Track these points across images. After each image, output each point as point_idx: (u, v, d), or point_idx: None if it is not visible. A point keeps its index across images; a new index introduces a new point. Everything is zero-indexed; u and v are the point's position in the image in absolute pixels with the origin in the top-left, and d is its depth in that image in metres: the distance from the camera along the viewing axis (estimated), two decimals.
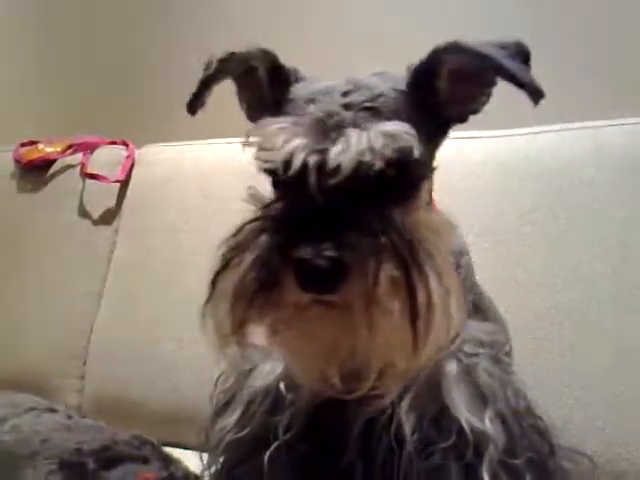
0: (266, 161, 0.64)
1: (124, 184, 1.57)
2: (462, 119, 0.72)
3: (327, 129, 0.61)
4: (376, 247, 0.57)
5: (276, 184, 0.66)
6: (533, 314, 1.09)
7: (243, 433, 0.78)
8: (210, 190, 1.45)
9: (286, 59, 0.74)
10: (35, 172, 1.64)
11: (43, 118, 2.01)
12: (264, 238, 0.59)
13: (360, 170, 0.59)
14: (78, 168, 1.61)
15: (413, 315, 0.58)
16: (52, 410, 0.90)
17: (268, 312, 0.60)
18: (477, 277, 0.84)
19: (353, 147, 0.59)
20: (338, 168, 0.59)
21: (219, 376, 0.87)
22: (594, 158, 1.15)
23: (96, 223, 1.56)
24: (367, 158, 0.59)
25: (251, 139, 0.65)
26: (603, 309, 1.06)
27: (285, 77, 0.72)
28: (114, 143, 1.65)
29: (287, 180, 0.62)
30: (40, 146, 1.66)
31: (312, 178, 0.59)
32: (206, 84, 0.74)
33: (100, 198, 1.58)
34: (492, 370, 0.74)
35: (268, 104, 0.73)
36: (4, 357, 1.49)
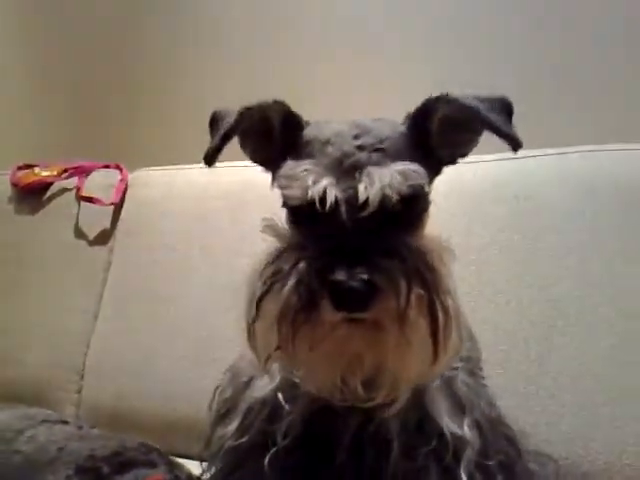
0: (296, 199, 0.71)
1: (118, 206, 1.65)
2: (453, 161, 0.82)
3: (347, 168, 0.70)
4: (403, 271, 0.65)
5: (298, 218, 0.74)
6: (502, 329, 1.18)
7: (242, 440, 0.85)
8: (201, 211, 1.54)
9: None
10: (32, 195, 1.72)
11: (37, 143, 2.08)
12: (302, 264, 0.66)
13: (383, 203, 0.68)
14: (74, 191, 1.69)
15: (434, 330, 0.66)
16: (64, 422, 0.97)
17: (307, 330, 0.67)
18: None
19: (377, 183, 0.67)
20: (367, 202, 0.67)
21: (217, 388, 0.94)
22: (557, 183, 1.25)
23: (92, 243, 1.64)
24: (388, 192, 0.68)
25: (280, 179, 0.73)
26: (566, 324, 1.16)
27: (297, 123, 0.79)
28: (108, 167, 1.73)
29: (316, 213, 0.69)
30: (36, 170, 1.73)
31: (343, 210, 0.67)
32: (227, 137, 0.79)
33: (95, 220, 1.66)
34: (469, 382, 0.83)
35: (279, 147, 0.80)
36: (5, 370, 1.55)
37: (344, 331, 0.67)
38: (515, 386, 1.15)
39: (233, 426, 0.87)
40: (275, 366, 0.83)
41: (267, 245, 0.74)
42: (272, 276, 0.68)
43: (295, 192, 0.71)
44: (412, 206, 0.72)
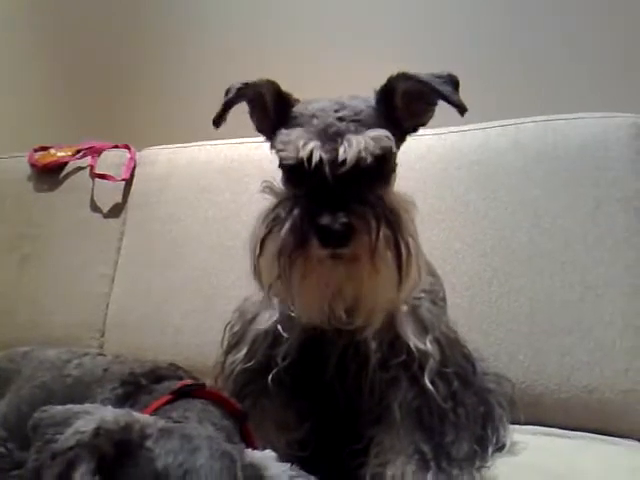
0: (290, 158, 0.89)
1: (128, 182, 1.83)
2: (415, 129, 0.99)
3: (330, 135, 0.87)
4: (374, 215, 0.83)
5: (291, 176, 0.91)
6: (467, 275, 1.38)
7: (250, 364, 1.04)
8: (202, 184, 1.72)
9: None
10: (49, 174, 1.89)
11: (49, 127, 2.25)
12: (296, 212, 0.84)
13: (358, 163, 0.85)
14: (87, 169, 1.87)
15: (399, 263, 0.84)
16: (101, 354, 1.15)
17: (300, 262, 0.85)
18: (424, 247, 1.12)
19: (354, 147, 0.85)
20: (344, 162, 0.85)
21: (227, 324, 1.12)
22: (513, 149, 1.44)
23: (106, 216, 1.83)
24: (363, 154, 0.85)
25: (277, 144, 0.91)
26: (521, 269, 1.36)
27: (286, 100, 0.97)
28: (117, 147, 1.90)
29: (305, 171, 0.86)
30: (52, 151, 1.91)
31: (327, 168, 0.85)
32: (228, 106, 0.97)
33: (108, 195, 1.84)
34: (431, 309, 1.02)
35: (273, 119, 0.97)
36: (34, 332, 1.73)
37: (329, 264, 0.85)
38: (479, 323, 1.35)
39: (242, 353, 1.05)
40: (275, 303, 1.03)
41: (267, 202, 0.93)
42: (272, 221, 0.87)
43: (289, 153, 0.89)
44: (382, 165, 0.90)
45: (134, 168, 1.84)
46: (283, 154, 0.90)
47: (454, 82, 0.94)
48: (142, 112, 2.15)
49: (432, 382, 0.97)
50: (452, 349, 1.02)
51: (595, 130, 1.41)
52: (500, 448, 1.12)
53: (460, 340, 1.06)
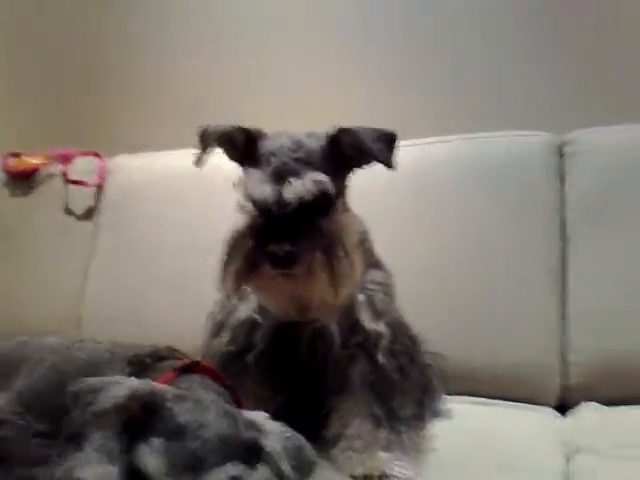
0: (248, 196, 1.10)
1: (100, 188, 1.98)
2: (359, 167, 1.19)
3: (280, 177, 1.07)
4: (312, 244, 1.05)
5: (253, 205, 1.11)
6: (413, 271, 1.57)
7: (231, 347, 1.24)
8: (172, 188, 1.90)
9: None
10: (23, 180, 2.03)
11: (17, 134, 2.36)
12: (250, 241, 1.07)
13: (301, 201, 1.06)
14: (60, 176, 2.01)
15: (332, 278, 1.06)
16: (97, 341, 1.30)
17: (254, 280, 1.09)
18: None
19: (295, 190, 1.06)
20: (289, 202, 1.05)
21: (210, 313, 1.32)
22: (451, 162, 1.69)
23: (79, 219, 1.98)
24: (303, 195, 1.06)
25: (243, 181, 1.12)
26: (457, 266, 1.61)
27: (254, 140, 1.16)
28: (86, 154, 2.04)
29: (260, 207, 1.08)
30: (24, 158, 2.03)
31: (274, 207, 1.06)
32: (205, 150, 1.17)
33: (81, 199, 1.99)
34: (383, 299, 1.24)
35: (243, 156, 1.17)
36: (9, 326, 1.82)
37: (280, 280, 1.08)
38: (422, 312, 1.46)
39: (225, 338, 1.25)
40: (252, 297, 1.23)
41: (237, 218, 1.12)
42: (231, 247, 1.10)
43: (247, 192, 1.10)
44: (321, 201, 1.09)
45: (104, 174, 1.99)
46: (245, 192, 1.11)
47: (390, 141, 1.13)
48: (109, 119, 2.28)
49: (385, 357, 1.19)
50: (400, 331, 1.24)
51: (517, 146, 1.68)
52: (436, 413, 1.35)
53: (407, 324, 1.28)
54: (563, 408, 1.50)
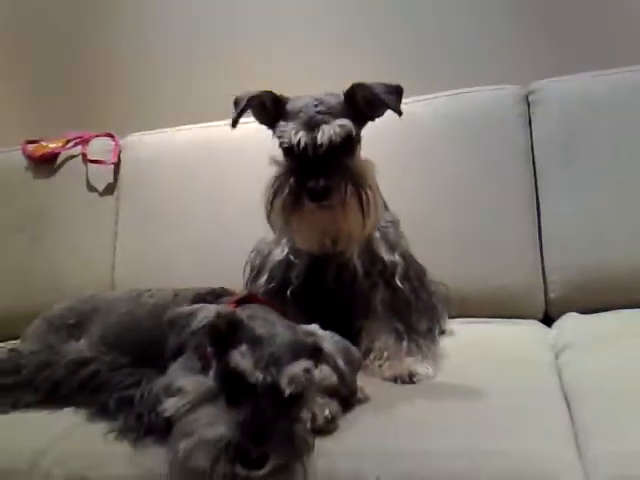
0: (285, 143, 1.29)
1: (117, 165, 2.16)
2: (372, 119, 1.39)
3: (311, 126, 1.27)
4: (343, 178, 1.25)
5: (287, 153, 1.31)
6: (413, 213, 1.76)
7: (271, 285, 1.45)
8: (185, 162, 2.10)
9: None
10: (44, 164, 2.19)
11: (33, 120, 2.52)
12: (291, 180, 1.26)
13: (330, 143, 1.26)
14: (79, 157, 2.19)
15: (361, 208, 1.27)
16: (160, 289, 1.49)
17: (297, 213, 1.27)
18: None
19: (327, 134, 1.26)
20: (321, 144, 1.26)
21: (247, 260, 1.54)
22: (432, 117, 1.93)
23: (101, 194, 2.16)
24: (333, 138, 1.26)
25: (277, 132, 1.32)
26: (448, 206, 1.85)
27: (280, 102, 1.35)
28: (100, 136, 2.22)
29: (295, 150, 1.28)
30: (44, 143, 2.19)
31: (310, 150, 1.26)
32: (241, 114, 1.36)
33: (101, 177, 2.17)
34: (395, 233, 1.46)
35: (272, 116, 1.36)
36: (52, 294, 1.91)
37: (317, 212, 1.27)
38: (426, 246, 1.75)
39: (264, 279, 1.46)
40: (284, 241, 1.45)
41: (272, 170, 1.32)
42: (276, 187, 1.28)
43: (285, 139, 1.30)
44: (347, 143, 1.30)
45: (120, 152, 2.17)
46: (281, 140, 1.30)
47: (398, 92, 1.34)
48: (120, 99, 2.46)
49: (401, 282, 1.42)
50: (411, 260, 1.47)
51: (491, 99, 1.92)
52: (442, 332, 1.60)
53: (414, 256, 1.52)
54: (549, 322, 1.77)
